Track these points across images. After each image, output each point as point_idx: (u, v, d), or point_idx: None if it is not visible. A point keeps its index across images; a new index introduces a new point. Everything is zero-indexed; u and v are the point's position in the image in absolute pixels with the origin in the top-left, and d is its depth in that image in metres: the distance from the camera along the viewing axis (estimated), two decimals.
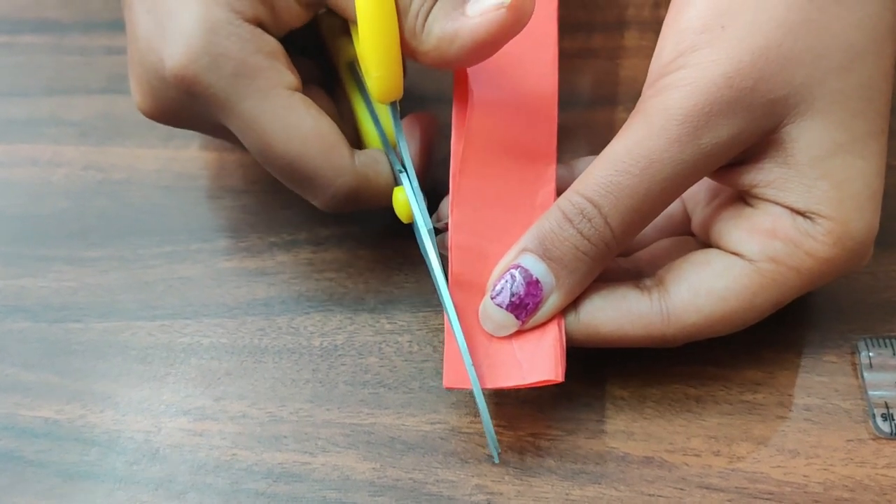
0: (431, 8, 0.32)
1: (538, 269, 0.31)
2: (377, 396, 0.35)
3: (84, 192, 0.41)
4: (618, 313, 0.31)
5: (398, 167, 0.35)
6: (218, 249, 0.39)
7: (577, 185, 0.31)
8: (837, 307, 0.36)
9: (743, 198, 0.33)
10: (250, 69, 0.32)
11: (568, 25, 0.45)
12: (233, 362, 0.36)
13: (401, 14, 0.32)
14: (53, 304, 0.37)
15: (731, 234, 0.32)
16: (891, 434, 0.33)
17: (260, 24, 0.33)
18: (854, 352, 0.35)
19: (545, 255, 0.31)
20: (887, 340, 0.35)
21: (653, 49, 0.32)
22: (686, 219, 0.36)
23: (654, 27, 0.45)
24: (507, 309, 0.32)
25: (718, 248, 0.32)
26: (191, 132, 0.39)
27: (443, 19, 0.32)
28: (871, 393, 0.34)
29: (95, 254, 0.39)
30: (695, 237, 0.35)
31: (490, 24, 0.31)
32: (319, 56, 0.39)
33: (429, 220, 0.33)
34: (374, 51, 0.32)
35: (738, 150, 0.31)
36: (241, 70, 0.31)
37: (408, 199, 0.34)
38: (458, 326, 0.32)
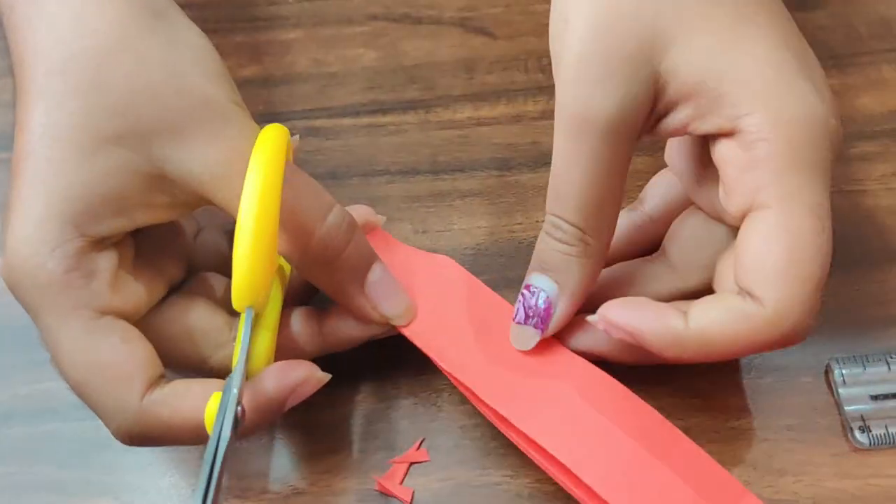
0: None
1: (542, 281, 0.35)
2: None
3: None
4: (730, 323, 0.31)
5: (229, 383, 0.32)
6: None
7: (550, 207, 0.34)
8: None
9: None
10: (59, 286, 0.31)
11: (530, 90, 0.48)
12: (252, 441, 0.38)
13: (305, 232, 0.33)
14: (80, 403, 0.38)
15: (730, 206, 0.32)
16: (869, 445, 0.36)
17: (106, 239, 0.32)
18: (828, 371, 0.38)
19: (543, 268, 0.35)
20: (858, 358, 0.38)
21: None
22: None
23: None
24: (525, 323, 0.35)
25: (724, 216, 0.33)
26: None
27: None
28: (847, 408, 0.37)
29: None
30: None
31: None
32: None
33: (227, 428, 0.30)
34: (239, 248, 0.30)
35: (638, 111, 0.31)
36: (52, 283, 0.31)
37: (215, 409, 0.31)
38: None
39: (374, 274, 0.35)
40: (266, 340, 0.34)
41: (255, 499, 0.37)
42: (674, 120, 0.32)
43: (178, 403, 0.32)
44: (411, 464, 0.37)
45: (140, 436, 0.32)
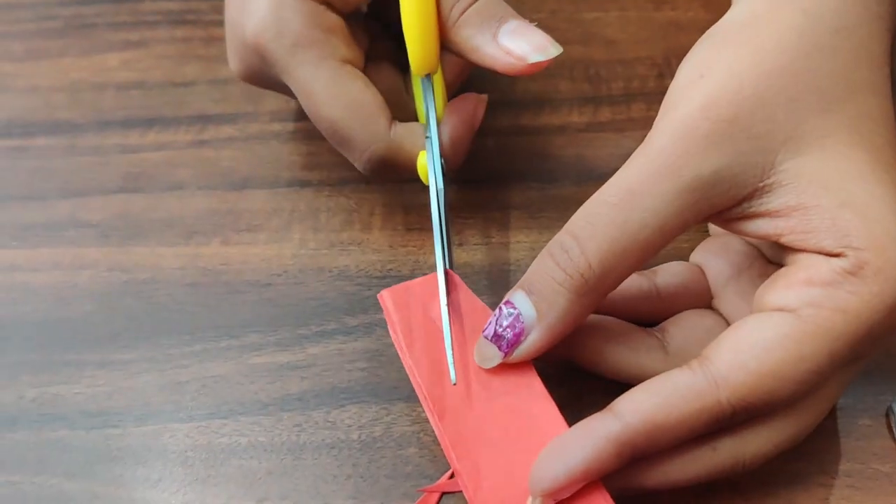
0: (467, 7, 0.37)
1: (523, 303, 0.32)
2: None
3: (110, 293, 0.41)
4: (664, 396, 0.30)
5: (426, 134, 0.38)
6: (247, 345, 0.39)
7: (567, 224, 0.32)
8: (867, 369, 0.36)
9: (773, 262, 0.34)
10: (307, 41, 0.37)
11: (575, 100, 0.46)
12: (273, 461, 0.36)
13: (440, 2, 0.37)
14: (90, 411, 0.37)
15: (767, 294, 0.31)
16: None
17: (326, 2, 0.38)
18: (888, 413, 0.35)
19: (529, 289, 0.32)
20: None
21: None
22: (708, 294, 0.37)
23: (659, 98, 0.45)
24: (491, 340, 0.33)
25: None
26: (209, 227, 0.40)
27: (475, 27, 0.37)
28: None
29: (126, 356, 0.39)
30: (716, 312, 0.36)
31: (503, 66, 0.36)
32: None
33: (441, 180, 0.37)
34: (410, 26, 0.37)
35: (731, 192, 0.31)
36: (300, 41, 0.37)
37: (424, 163, 0.38)
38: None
39: (509, 26, 0.37)
40: (441, 101, 0.39)
41: None
42: (768, 225, 0.31)
43: (412, 138, 0.38)
44: (443, 493, 0.35)
45: (388, 162, 0.38)
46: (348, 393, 0.37)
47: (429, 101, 0.38)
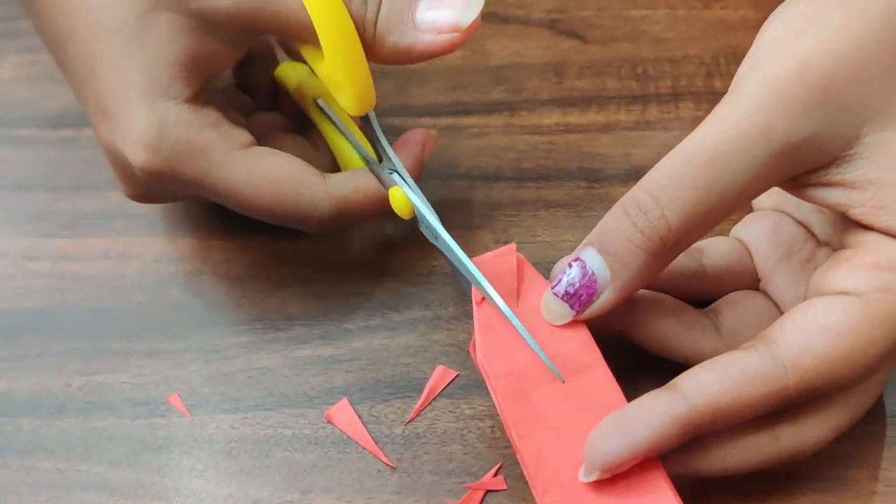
0: (377, 16, 0.34)
1: (595, 262, 0.31)
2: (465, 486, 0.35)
3: (158, 284, 0.41)
4: (731, 380, 0.29)
5: (387, 171, 0.37)
6: (293, 338, 0.39)
7: (642, 180, 0.31)
8: None
9: (824, 244, 0.33)
10: (203, 146, 0.34)
11: (623, 98, 0.46)
12: (317, 454, 0.36)
13: (355, 24, 0.34)
14: (136, 399, 0.38)
15: (829, 277, 0.30)
16: None
17: (198, 95, 0.35)
18: None
19: (602, 249, 0.31)
20: None
21: None
22: (754, 275, 0.36)
23: (708, 98, 0.45)
24: (562, 298, 0.32)
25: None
26: (256, 221, 0.40)
27: (395, 31, 0.35)
28: None
29: (174, 346, 0.39)
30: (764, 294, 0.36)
31: (443, 45, 0.35)
32: (278, 107, 0.42)
33: (430, 207, 0.36)
34: (342, 65, 0.34)
35: (814, 158, 0.30)
36: (196, 149, 0.34)
37: (405, 195, 0.36)
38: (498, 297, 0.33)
39: (422, 5, 0.35)
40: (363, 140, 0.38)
41: None
42: (840, 196, 0.30)
43: (355, 184, 0.37)
44: (487, 491, 0.34)
45: (340, 216, 0.36)
46: (392, 388, 0.37)
47: (379, 135, 0.38)
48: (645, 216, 0.30)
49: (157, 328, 0.40)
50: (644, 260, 0.31)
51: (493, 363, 0.33)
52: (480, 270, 0.34)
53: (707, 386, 0.29)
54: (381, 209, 0.37)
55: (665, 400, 0.30)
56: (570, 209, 0.42)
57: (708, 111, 0.31)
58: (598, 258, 0.31)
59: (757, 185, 0.30)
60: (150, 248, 0.42)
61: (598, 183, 0.43)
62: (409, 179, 0.37)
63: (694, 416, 0.29)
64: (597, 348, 0.33)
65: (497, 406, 0.33)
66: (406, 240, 0.41)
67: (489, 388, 0.33)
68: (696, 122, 0.32)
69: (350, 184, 0.37)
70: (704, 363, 0.30)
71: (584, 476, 0.31)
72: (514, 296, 0.34)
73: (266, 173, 0.35)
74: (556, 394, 0.32)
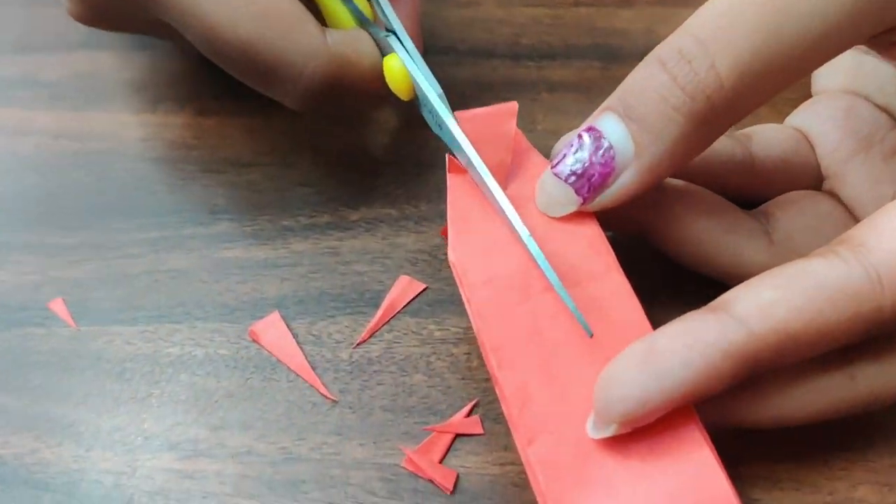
0: None
1: (615, 132, 0.24)
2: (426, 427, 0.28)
3: (56, 165, 0.35)
4: (805, 298, 0.22)
5: (383, 33, 0.29)
6: (217, 235, 0.33)
7: (685, 23, 0.24)
8: None
9: None
10: None
11: None
12: (235, 380, 0.29)
13: None
14: (10, 304, 0.31)
15: None
16: None
17: None
18: None
19: (626, 113, 0.24)
20: None
21: None
22: (816, 172, 0.31)
23: None
24: (565, 180, 0.25)
25: None
26: (182, 93, 0.33)
27: None
28: None
29: (66, 240, 0.33)
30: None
31: None
32: None
33: (436, 83, 0.28)
34: None
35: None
36: None
37: (403, 66, 0.29)
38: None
39: None
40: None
41: (234, 460, 0.28)
42: None
43: (356, 45, 0.29)
44: (457, 435, 0.27)
45: (335, 83, 0.29)
46: (340, 301, 0.31)
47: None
48: (689, 66, 0.23)
49: (48, 217, 0.33)
50: (682, 129, 0.24)
51: (468, 265, 0.25)
52: (463, 129, 0.25)
53: (771, 307, 0.22)
54: (379, 87, 0.30)
55: (713, 326, 0.22)
56: (580, 92, 0.35)
57: None
58: (618, 126, 0.24)
59: (839, 35, 0.23)
60: (53, 123, 0.36)
61: (615, 63, 0.36)
62: (410, 45, 0.29)
63: (753, 347, 0.22)
64: (611, 251, 0.25)
65: (473, 324, 0.25)
66: (371, 120, 0.35)
67: (464, 299, 0.25)
68: None
69: (353, 44, 0.30)
70: (763, 275, 0.23)
71: (593, 430, 0.23)
72: (505, 173, 0.25)
73: (258, 7, 0.28)
74: (554, 310, 0.24)
